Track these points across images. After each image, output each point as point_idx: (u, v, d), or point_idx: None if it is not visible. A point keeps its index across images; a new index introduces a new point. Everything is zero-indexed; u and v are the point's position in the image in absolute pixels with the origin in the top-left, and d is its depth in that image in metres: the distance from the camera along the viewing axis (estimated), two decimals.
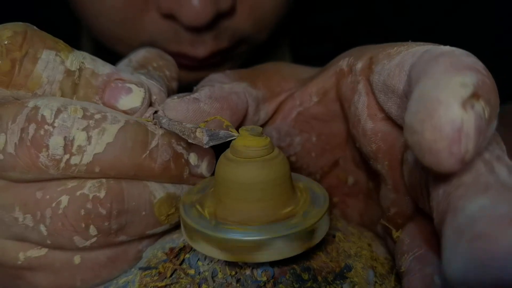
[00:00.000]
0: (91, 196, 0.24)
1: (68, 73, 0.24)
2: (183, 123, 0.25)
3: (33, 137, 0.23)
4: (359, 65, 0.26)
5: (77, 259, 0.25)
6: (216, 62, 0.49)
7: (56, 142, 0.23)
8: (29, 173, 0.23)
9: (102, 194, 0.24)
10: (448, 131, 0.16)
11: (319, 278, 0.24)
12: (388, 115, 0.24)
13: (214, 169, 0.29)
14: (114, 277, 0.27)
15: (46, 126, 0.23)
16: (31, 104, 0.23)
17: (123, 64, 0.29)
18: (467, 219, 0.15)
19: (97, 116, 0.24)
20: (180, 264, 0.25)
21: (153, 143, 0.25)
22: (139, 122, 0.25)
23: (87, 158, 0.23)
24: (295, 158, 0.32)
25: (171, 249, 0.26)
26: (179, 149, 0.27)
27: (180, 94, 0.27)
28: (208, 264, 0.25)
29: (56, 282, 0.26)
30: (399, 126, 0.24)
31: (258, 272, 0.24)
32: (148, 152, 0.25)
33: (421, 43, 0.23)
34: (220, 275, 0.24)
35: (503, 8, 0.57)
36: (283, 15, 0.50)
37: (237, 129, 0.28)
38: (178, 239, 0.27)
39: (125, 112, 0.25)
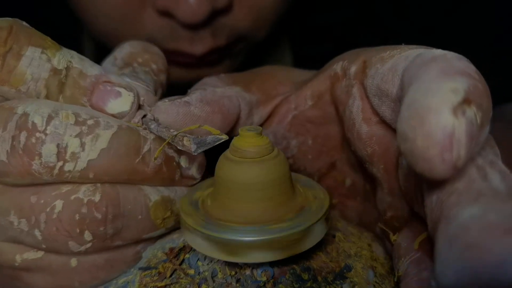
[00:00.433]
0: (85, 200, 0.24)
1: (55, 71, 0.24)
2: (171, 130, 0.25)
3: (25, 145, 0.22)
4: (353, 69, 0.26)
5: (73, 262, 0.25)
6: (214, 59, 0.49)
7: (49, 150, 0.23)
8: (22, 179, 0.23)
9: (97, 198, 0.24)
10: (440, 138, 0.16)
11: (319, 278, 0.24)
12: (383, 119, 0.24)
13: (207, 170, 0.29)
14: (112, 279, 0.26)
15: (37, 134, 0.22)
16: (20, 110, 0.23)
17: (108, 62, 0.29)
18: (459, 228, 0.15)
19: (89, 122, 0.23)
20: (180, 264, 0.25)
21: (146, 148, 0.25)
22: (131, 127, 0.25)
23: (81, 164, 0.23)
24: (292, 160, 0.32)
25: (171, 249, 0.26)
26: (171, 152, 0.26)
27: (172, 97, 0.27)
28: (208, 264, 0.25)
29: (54, 283, 0.26)
30: (393, 130, 0.24)
31: (258, 272, 0.24)
32: (141, 156, 0.25)
33: (414, 46, 0.23)
34: (220, 275, 0.24)
35: (503, 8, 0.57)
36: (282, 12, 0.50)
37: (230, 133, 0.28)
38: (178, 239, 0.27)
39: (113, 115, 0.25)
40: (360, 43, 0.29)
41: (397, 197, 0.25)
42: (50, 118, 0.23)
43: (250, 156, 0.23)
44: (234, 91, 0.29)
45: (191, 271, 0.24)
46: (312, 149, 0.31)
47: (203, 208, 0.24)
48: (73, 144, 0.23)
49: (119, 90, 0.25)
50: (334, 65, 0.28)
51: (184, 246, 0.26)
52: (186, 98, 0.27)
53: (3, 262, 0.26)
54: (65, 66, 0.24)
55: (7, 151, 0.23)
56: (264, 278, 0.23)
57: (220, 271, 0.24)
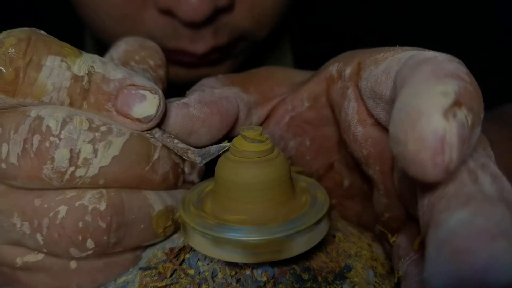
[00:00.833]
0: (90, 207, 0.23)
1: (76, 79, 0.23)
2: (175, 141, 0.25)
3: (38, 149, 0.22)
4: (348, 71, 0.26)
5: (73, 264, 0.25)
6: (216, 59, 0.49)
7: (62, 155, 0.22)
8: (30, 183, 0.23)
9: (102, 207, 0.23)
10: (431, 141, 0.16)
11: (319, 278, 0.24)
12: (378, 121, 0.24)
13: (207, 169, 0.29)
14: (111, 281, 0.26)
15: (52, 138, 0.22)
16: (33, 113, 0.23)
17: None
18: (447, 233, 0.15)
19: (103, 129, 0.23)
20: (180, 264, 0.25)
21: (155, 156, 0.25)
22: (142, 135, 0.25)
23: (92, 170, 0.23)
24: (290, 161, 0.32)
25: (171, 249, 0.26)
26: (177, 159, 0.27)
27: (170, 99, 0.27)
28: (208, 264, 0.25)
29: (52, 285, 0.26)
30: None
31: (258, 272, 0.24)
32: (151, 164, 0.25)
33: (408, 48, 0.23)
34: (220, 275, 0.24)
35: (502, 8, 0.57)
36: (283, 12, 0.50)
37: (228, 134, 0.28)
38: (178, 239, 0.27)
39: (139, 120, 0.24)
40: (360, 42, 0.29)
41: (394, 199, 0.25)
42: (64, 123, 0.23)
43: (250, 156, 0.23)
44: (233, 92, 0.29)
45: (191, 271, 0.24)
46: (310, 150, 0.31)
47: (203, 208, 0.24)
48: (86, 150, 0.23)
49: (143, 94, 0.24)
50: (330, 67, 0.28)
51: (184, 246, 0.26)
52: (184, 100, 0.27)
53: (3, 263, 0.26)
54: (87, 72, 0.23)
55: (18, 154, 0.22)
56: (264, 278, 0.23)
57: (220, 271, 0.24)
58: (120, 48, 0.30)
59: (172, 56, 0.46)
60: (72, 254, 0.24)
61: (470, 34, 0.55)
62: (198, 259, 0.25)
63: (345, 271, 0.24)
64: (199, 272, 0.24)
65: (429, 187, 0.18)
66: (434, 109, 0.16)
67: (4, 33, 0.23)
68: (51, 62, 0.23)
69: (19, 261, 0.25)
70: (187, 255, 0.25)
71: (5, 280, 0.27)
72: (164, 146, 0.26)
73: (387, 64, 0.22)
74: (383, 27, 0.58)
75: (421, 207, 0.18)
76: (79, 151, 0.23)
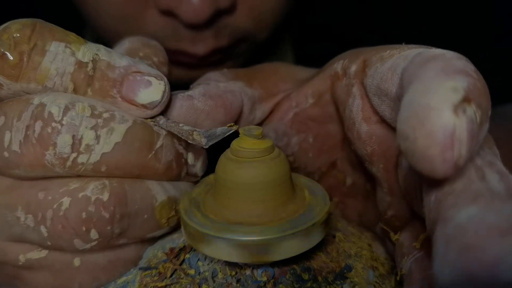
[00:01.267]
0: (93, 198, 0.23)
1: (80, 64, 0.23)
2: (180, 125, 0.25)
3: (40, 135, 0.22)
4: (353, 68, 0.26)
5: (77, 261, 0.25)
6: (217, 60, 0.49)
7: (64, 141, 0.22)
8: (33, 171, 0.23)
9: (105, 197, 0.24)
10: (441, 136, 0.16)
11: (319, 278, 0.24)
12: (383, 118, 0.24)
13: (208, 168, 0.29)
14: (112, 280, 0.27)
15: (53, 124, 0.22)
16: (36, 101, 0.23)
17: None
18: (456, 229, 0.15)
19: (105, 115, 0.23)
20: (180, 264, 0.25)
21: (158, 143, 0.25)
22: (146, 122, 0.25)
23: (94, 157, 0.23)
24: (292, 158, 0.32)
25: (171, 249, 0.26)
26: (180, 149, 0.27)
27: (175, 92, 0.27)
28: (208, 264, 0.25)
29: (55, 283, 0.26)
30: (393, 129, 0.24)
31: (258, 272, 0.24)
32: (153, 152, 0.25)
33: (414, 45, 0.23)
34: (220, 275, 0.24)
35: (502, 9, 0.57)
36: (284, 13, 0.50)
37: None
38: (178, 239, 0.27)
39: (144, 106, 0.24)
40: (360, 42, 0.29)
41: (397, 197, 0.25)
42: (67, 109, 0.23)
43: (250, 156, 0.23)
44: (237, 86, 0.29)
45: (192, 271, 0.24)
46: (313, 147, 0.31)
47: (203, 208, 0.24)
48: (88, 136, 0.23)
49: (149, 80, 0.24)
50: (335, 64, 0.28)
51: (184, 246, 0.26)
52: (189, 92, 0.27)
53: (6, 261, 0.26)
54: (91, 58, 0.23)
55: (20, 141, 0.23)
56: (265, 278, 0.23)
57: (220, 271, 0.24)
58: (123, 46, 0.30)
59: (173, 57, 0.46)
60: (76, 245, 0.24)
61: (470, 34, 0.55)
62: (198, 259, 0.25)
63: (345, 271, 0.24)
64: (199, 272, 0.24)
65: (436, 183, 0.18)
66: (444, 105, 0.16)
67: (9, 21, 0.23)
68: (55, 48, 0.23)
69: (22, 258, 0.25)
70: (187, 255, 0.25)
71: (7, 280, 0.27)
72: (168, 134, 0.26)
73: (393, 61, 0.22)
74: (383, 27, 0.58)
75: (427, 204, 0.18)
76: (81, 137, 0.23)
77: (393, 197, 0.25)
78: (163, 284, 0.24)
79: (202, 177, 0.28)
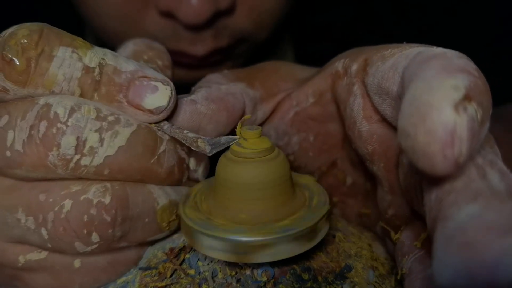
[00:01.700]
0: (95, 201, 0.23)
1: (87, 70, 0.23)
2: (185, 131, 0.25)
3: (45, 135, 0.22)
4: (354, 67, 0.26)
5: (77, 263, 0.25)
6: (216, 61, 0.49)
7: (68, 142, 0.22)
8: (35, 171, 0.23)
9: (107, 200, 0.23)
10: (441, 134, 0.16)
11: (319, 278, 0.24)
12: (384, 117, 0.24)
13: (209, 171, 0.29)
14: (112, 281, 0.26)
15: (59, 124, 0.22)
16: (42, 101, 0.23)
17: None
18: (456, 227, 0.15)
19: (110, 118, 0.23)
20: (180, 264, 0.25)
21: (161, 148, 0.25)
22: (150, 127, 0.25)
23: (97, 160, 0.23)
24: (293, 157, 0.32)
25: (171, 249, 0.26)
26: (182, 154, 0.27)
27: (178, 96, 0.27)
28: (208, 264, 0.25)
29: (55, 284, 0.26)
30: (394, 128, 0.24)
31: (258, 272, 0.24)
32: (156, 157, 0.25)
33: (415, 44, 0.23)
34: (220, 275, 0.24)
35: (502, 9, 0.57)
36: (283, 14, 0.50)
37: (235, 129, 0.28)
38: (178, 239, 0.27)
39: (150, 111, 0.24)
40: (359, 42, 0.29)
41: (398, 196, 0.25)
42: (72, 111, 0.23)
43: (250, 156, 0.23)
44: (239, 88, 0.29)
45: (192, 271, 0.24)
46: (313, 146, 0.31)
47: (203, 208, 0.24)
48: (93, 139, 0.23)
49: (155, 85, 0.24)
50: (336, 63, 0.28)
51: (184, 246, 0.26)
52: (192, 96, 0.27)
53: (6, 262, 0.26)
54: (98, 63, 0.23)
55: (23, 140, 0.22)
56: (265, 278, 0.23)
57: (220, 271, 0.24)
58: (128, 48, 0.30)
59: (173, 58, 0.46)
60: (77, 248, 0.24)
61: (470, 34, 0.55)
62: (198, 259, 0.25)
63: (345, 271, 0.24)
64: (199, 272, 0.24)
65: (437, 182, 0.18)
66: (444, 102, 0.16)
67: (16, 26, 0.23)
68: (63, 53, 0.23)
69: (21, 259, 0.25)
70: (187, 255, 0.25)
71: (7, 281, 0.27)
72: (171, 140, 0.26)
73: (394, 60, 0.22)
74: (383, 27, 0.58)
75: (428, 202, 0.18)
76: (86, 140, 0.23)
77: (394, 196, 0.25)
78: (163, 284, 0.24)
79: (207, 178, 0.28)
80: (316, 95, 0.29)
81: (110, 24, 0.47)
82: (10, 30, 0.23)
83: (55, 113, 0.22)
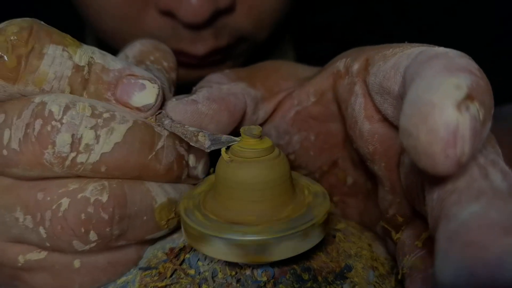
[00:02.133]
0: (92, 199, 0.23)
1: (77, 68, 0.23)
2: (186, 126, 0.25)
3: (39, 133, 0.22)
4: (356, 67, 0.26)
5: (76, 263, 0.25)
6: (216, 60, 0.49)
7: (63, 139, 0.22)
8: (32, 170, 0.23)
9: (104, 198, 0.24)
10: (443, 133, 0.16)
11: (319, 278, 0.24)
12: (385, 117, 0.24)
13: (211, 170, 0.29)
14: (112, 281, 0.26)
15: (53, 122, 0.22)
16: (37, 99, 0.23)
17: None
18: (459, 226, 0.15)
19: (105, 115, 0.23)
20: (180, 264, 0.25)
21: (159, 144, 0.25)
22: (147, 123, 0.25)
23: (94, 157, 0.23)
24: (294, 156, 0.32)
25: (171, 249, 0.26)
26: (182, 150, 0.27)
27: (179, 96, 0.27)
28: (208, 264, 0.25)
29: (54, 284, 0.26)
30: (396, 127, 0.24)
31: (258, 272, 0.24)
32: (154, 153, 0.25)
33: (417, 44, 0.23)
34: (220, 275, 0.24)
35: (503, 9, 0.57)
36: (284, 13, 0.50)
37: (236, 129, 0.28)
38: (178, 239, 0.27)
39: (138, 109, 0.25)
40: (360, 42, 0.29)
41: (399, 195, 0.25)
42: (67, 108, 0.23)
43: (250, 156, 0.23)
44: (240, 88, 0.29)
45: (192, 271, 0.24)
46: (314, 145, 0.31)
47: (204, 208, 0.24)
48: (88, 136, 0.23)
49: (143, 83, 0.24)
50: (337, 63, 0.28)
51: (184, 246, 0.26)
52: (193, 97, 0.27)
53: (5, 262, 0.26)
54: (87, 62, 0.24)
55: (19, 139, 0.23)
56: (265, 278, 0.23)
57: (220, 271, 0.24)
58: (135, 48, 0.30)
59: None
60: (75, 247, 0.24)
61: (470, 34, 0.55)
62: (198, 259, 0.25)
63: (345, 271, 0.24)
64: (199, 272, 0.24)
65: (439, 181, 0.18)
66: (447, 102, 0.16)
67: (6, 22, 0.23)
68: (53, 51, 0.23)
69: (21, 259, 0.25)
70: (187, 255, 0.25)
71: (7, 281, 0.27)
72: (170, 136, 0.26)
73: (396, 59, 0.22)
74: (383, 27, 0.58)
75: (429, 202, 0.18)
76: (81, 137, 0.23)
77: (395, 195, 0.25)
78: (163, 284, 0.24)
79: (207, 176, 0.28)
80: (317, 94, 0.29)
81: (110, 23, 0.47)
82: None
83: (50, 111, 0.22)
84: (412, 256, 0.23)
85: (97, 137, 0.23)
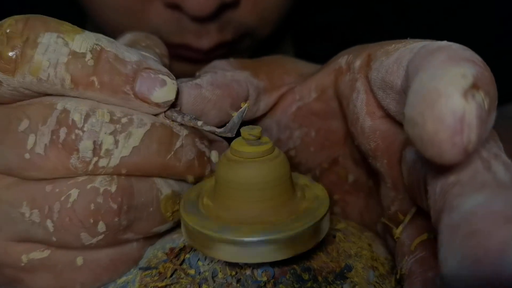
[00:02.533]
0: (101, 189, 0.24)
1: (74, 55, 0.23)
2: (199, 123, 0.25)
3: (65, 141, 0.23)
4: (358, 63, 0.26)
5: (79, 260, 0.25)
6: (220, 55, 0.49)
7: (85, 146, 0.23)
8: (55, 173, 0.23)
9: (113, 188, 0.24)
10: (450, 121, 0.15)
11: (320, 278, 0.24)
12: (387, 112, 0.24)
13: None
14: (113, 281, 0.27)
15: (76, 131, 0.23)
16: (59, 106, 0.23)
17: None
18: (462, 216, 0.15)
19: (123, 120, 0.24)
20: (180, 264, 0.25)
21: (178, 144, 0.25)
22: (164, 124, 0.25)
23: (114, 161, 0.24)
24: (294, 152, 0.32)
25: (171, 249, 0.26)
26: (202, 147, 0.27)
27: (183, 79, 0.27)
28: (208, 264, 0.25)
29: (56, 285, 0.26)
30: (398, 123, 0.24)
31: (259, 272, 0.24)
32: (173, 152, 0.25)
33: (419, 39, 0.23)
34: (220, 275, 0.24)
35: (502, 9, 0.57)
36: (287, 9, 0.51)
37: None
38: (178, 239, 0.27)
39: (157, 105, 0.24)
40: (360, 42, 0.29)
41: (401, 192, 0.25)
42: (87, 116, 0.23)
43: (250, 156, 0.23)
44: (243, 76, 0.29)
45: (192, 271, 0.24)
46: (315, 141, 0.31)
47: (203, 208, 0.24)
48: (108, 141, 0.23)
49: (163, 79, 0.24)
50: (339, 59, 0.28)
51: (184, 246, 0.26)
52: (197, 81, 0.27)
53: (8, 262, 0.25)
54: (90, 49, 0.23)
55: (45, 144, 0.23)
56: (265, 278, 0.23)
57: (220, 271, 0.24)
58: (126, 37, 0.30)
59: (177, 51, 0.47)
60: (83, 239, 0.24)
61: (470, 34, 0.55)
62: (199, 259, 0.25)
63: (345, 271, 0.24)
64: (200, 272, 0.24)
65: (442, 174, 0.18)
66: (453, 89, 0.16)
67: (6, 19, 0.23)
68: (48, 39, 0.23)
69: (24, 258, 0.25)
70: (188, 255, 0.25)
71: (7, 282, 0.27)
72: (189, 134, 0.26)
73: (398, 54, 0.22)
74: (383, 27, 0.58)
75: (432, 195, 0.18)
76: (101, 143, 0.23)
77: (397, 192, 0.25)
78: (163, 284, 0.24)
79: None
80: (319, 90, 0.29)
81: (113, 17, 0.47)
82: None
83: (73, 120, 0.23)
84: (411, 257, 0.23)
85: (116, 142, 0.24)
